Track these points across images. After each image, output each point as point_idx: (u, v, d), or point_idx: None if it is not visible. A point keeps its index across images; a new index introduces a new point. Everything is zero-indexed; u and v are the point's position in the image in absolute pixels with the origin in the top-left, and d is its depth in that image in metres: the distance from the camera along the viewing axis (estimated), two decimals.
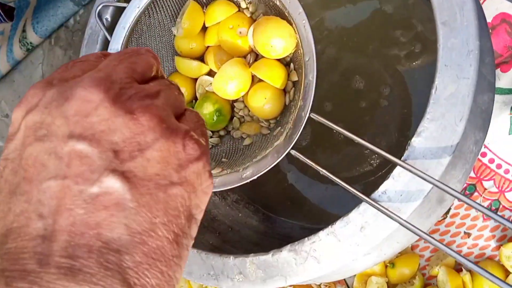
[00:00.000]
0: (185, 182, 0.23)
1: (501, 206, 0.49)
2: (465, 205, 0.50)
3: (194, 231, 0.25)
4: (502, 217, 0.33)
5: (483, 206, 0.33)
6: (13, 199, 0.22)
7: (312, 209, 0.55)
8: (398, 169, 0.35)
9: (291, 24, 0.43)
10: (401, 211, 0.35)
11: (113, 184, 0.22)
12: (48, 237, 0.21)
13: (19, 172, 0.22)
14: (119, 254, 0.21)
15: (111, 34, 0.48)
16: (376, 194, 0.36)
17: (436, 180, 0.34)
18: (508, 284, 0.32)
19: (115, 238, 0.21)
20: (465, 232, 0.50)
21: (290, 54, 0.44)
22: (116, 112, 0.22)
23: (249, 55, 0.47)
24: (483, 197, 0.50)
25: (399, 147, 0.52)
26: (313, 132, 0.56)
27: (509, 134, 0.49)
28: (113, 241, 0.21)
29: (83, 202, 0.21)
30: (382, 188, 0.36)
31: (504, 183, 0.49)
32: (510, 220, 0.48)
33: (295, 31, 0.43)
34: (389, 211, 0.35)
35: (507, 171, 0.49)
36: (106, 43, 0.50)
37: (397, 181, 0.35)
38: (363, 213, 0.36)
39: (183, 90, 0.49)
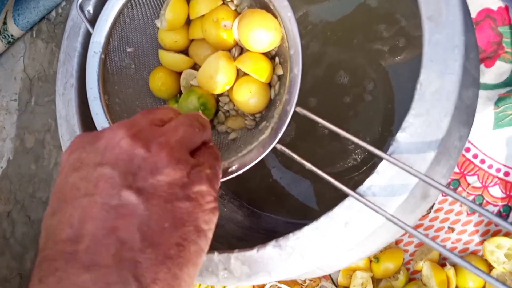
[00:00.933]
0: (189, 198, 0.29)
1: (484, 201, 0.49)
2: (449, 200, 0.50)
3: (204, 243, 0.29)
4: (486, 210, 0.33)
5: (468, 200, 0.33)
6: (54, 217, 0.27)
7: (296, 204, 0.55)
8: (383, 164, 0.35)
9: (276, 17, 0.43)
10: (387, 206, 0.35)
11: (129, 196, 0.27)
12: (75, 240, 0.26)
13: (60, 197, 0.28)
14: (132, 252, 0.26)
15: (93, 26, 0.47)
16: (361, 189, 0.36)
17: (423, 174, 0.34)
18: (492, 277, 0.32)
19: (129, 239, 0.26)
20: (449, 227, 0.50)
21: (275, 47, 0.44)
22: (135, 145, 0.28)
23: (234, 48, 0.46)
24: (467, 192, 0.50)
25: (383, 142, 0.52)
26: (297, 128, 0.56)
27: (493, 129, 0.49)
28: (127, 241, 0.26)
29: (105, 212, 0.26)
30: (367, 183, 0.35)
31: (487, 178, 0.49)
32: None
33: (280, 24, 0.43)
34: (375, 205, 0.35)
35: (490, 166, 0.49)
36: (88, 36, 0.49)
37: (382, 176, 0.35)
38: (347, 209, 0.35)
39: (167, 84, 0.48)
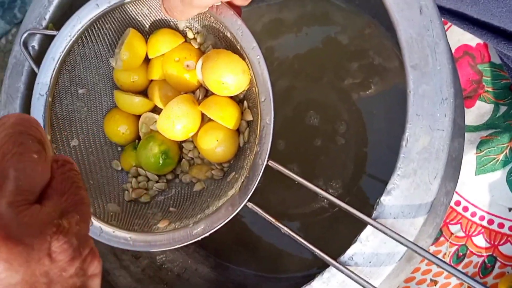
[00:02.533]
0: None
1: (468, 251, 0.46)
2: (432, 250, 0.47)
3: None
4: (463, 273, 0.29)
5: (461, 272, 0.29)
6: None
7: (268, 254, 0.51)
8: (366, 232, 0.32)
9: (243, 59, 0.39)
10: (372, 277, 0.31)
11: None
12: None
13: None
14: None
15: (39, 64, 0.41)
16: (343, 259, 0.32)
17: (411, 242, 0.30)
18: None
19: None
20: (431, 280, 0.47)
21: (243, 91, 0.40)
22: None
23: (198, 90, 0.42)
24: (450, 242, 0.47)
25: (354, 185, 0.48)
26: (266, 171, 0.52)
27: (476, 175, 0.46)
28: None
29: None
30: (349, 252, 0.32)
31: (471, 227, 0.46)
32: (479, 267, 0.46)
33: (248, 67, 0.39)
34: (360, 277, 0.31)
35: (474, 214, 0.46)
36: (33, 74, 0.43)
37: (365, 245, 0.31)
38: (327, 282, 0.31)
39: (124, 128, 0.44)
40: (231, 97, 0.41)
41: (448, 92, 0.31)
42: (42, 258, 0.18)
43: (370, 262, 0.31)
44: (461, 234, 0.46)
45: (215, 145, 0.40)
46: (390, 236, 0.30)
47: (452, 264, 0.46)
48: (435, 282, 0.47)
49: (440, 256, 0.46)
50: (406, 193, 0.31)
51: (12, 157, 0.19)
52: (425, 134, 0.31)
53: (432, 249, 0.46)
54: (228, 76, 0.38)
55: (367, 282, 0.30)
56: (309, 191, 0.51)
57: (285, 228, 0.34)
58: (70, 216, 0.20)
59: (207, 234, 0.36)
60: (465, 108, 0.49)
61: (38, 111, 0.41)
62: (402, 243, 0.30)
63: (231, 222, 0.52)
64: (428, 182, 0.31)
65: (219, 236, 0.52)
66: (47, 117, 0.41)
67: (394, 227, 0.31)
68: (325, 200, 0.51)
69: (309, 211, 0.51)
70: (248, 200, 0.37)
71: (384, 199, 0.31)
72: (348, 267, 0.31)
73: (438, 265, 0.28)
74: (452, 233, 0.46)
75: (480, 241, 0.46)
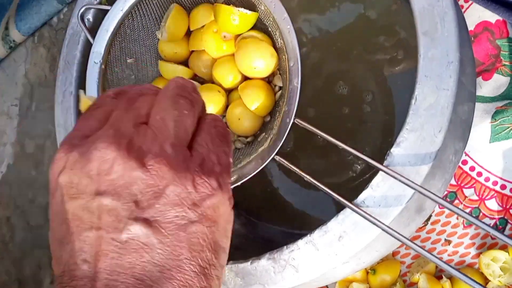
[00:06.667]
0: (203, 218, 0.26)
1: (481, 214, 0.49)
2: (446, 212, 0.50)
3: (223, 260, 0.28)
4: (482, 222, 0.33)
5: (463, 211, 0.33)
6: (62, 248, 0.26)
7: (294, 213, 0.55)
8: (377, 179, 0.36)
9: (275, 30, 0.43)
10: (381, 218, 0.35)
11: (137, 230, 0.25)
12: (93, 278, 0.25)
13: (63, 225, 0.27)
14: None
15: (93, 35, 0.47)
16: (355, 202, 0.36)
17: (419, 186, 0.34)
18: None
19: (147, 275, 0.25)
20: (445, 240, 0.50)
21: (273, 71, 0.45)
22: (130, 166, 0.26)
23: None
24: (464, 204, 0.50)
25: (382, 153, 0.52)
26: (296, 138, 0.56)
27: (490, 143, 0.49)
28: (145, 278, 0.25)
29: (115, 248, 0.25)
30: (361, 197, 0.36)
31: (484, 191, 0.49)
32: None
33: (277, 44, 0.43)
34: (372, 216, 0.35)
35: (487, 179, 0.49)
36: (87, 44, 0.49)
37: (376, 191, 0.35)
38: (341, 223, 0.36)
39: None
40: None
41: (454, 56, 0.35)
42: (187, 185, 0.26)
43: (379, 205, 0.35)
44: (475, 197, 0.49)
45: (239, 122, 0.45)
46: (399, 180, 0.34)
47: (465, 225, 0.50)
48: (449, 242, 0.50)
49: (454, 217, 0.50)
50: (413, 145, 0.35)
51: (171, 109, 0.28)
52: (432, 93, 0.35)
53: (447, 210, 0.50)
54: (258, 61, 0.43)
55: (378, 220, 0.35)
56: (337, 160, 0.56)
57: (307, 177, 0.38)
58: (211, 160, 0.28)
59: (238, 183, 0.41)
60: (483, 81, 0.52)
61: (93, 76, 0.47)
62: (408, 185, 0.34)
63: (261, 183, 0.57)
64: (433, 135, 0.35)
65: (250, 196, 0.58)
66: (100, 82, 0.47)
67: (402, 174, 0.35)
68: (354, 169, 0.55)
69: (337, 182, 0.55)
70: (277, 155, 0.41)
71: (394, 150, 0.35)
72: (361, 208, 0.35)
73: (439, 203, 0.32)
74: (466, 196, 0.50)
75: (492, 204, 0.49)
